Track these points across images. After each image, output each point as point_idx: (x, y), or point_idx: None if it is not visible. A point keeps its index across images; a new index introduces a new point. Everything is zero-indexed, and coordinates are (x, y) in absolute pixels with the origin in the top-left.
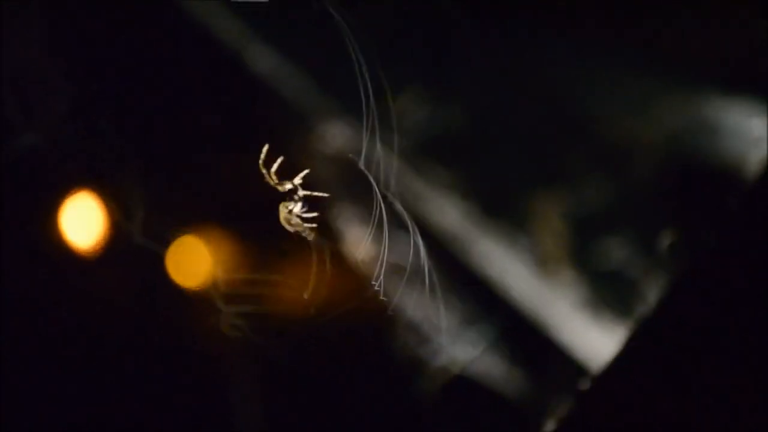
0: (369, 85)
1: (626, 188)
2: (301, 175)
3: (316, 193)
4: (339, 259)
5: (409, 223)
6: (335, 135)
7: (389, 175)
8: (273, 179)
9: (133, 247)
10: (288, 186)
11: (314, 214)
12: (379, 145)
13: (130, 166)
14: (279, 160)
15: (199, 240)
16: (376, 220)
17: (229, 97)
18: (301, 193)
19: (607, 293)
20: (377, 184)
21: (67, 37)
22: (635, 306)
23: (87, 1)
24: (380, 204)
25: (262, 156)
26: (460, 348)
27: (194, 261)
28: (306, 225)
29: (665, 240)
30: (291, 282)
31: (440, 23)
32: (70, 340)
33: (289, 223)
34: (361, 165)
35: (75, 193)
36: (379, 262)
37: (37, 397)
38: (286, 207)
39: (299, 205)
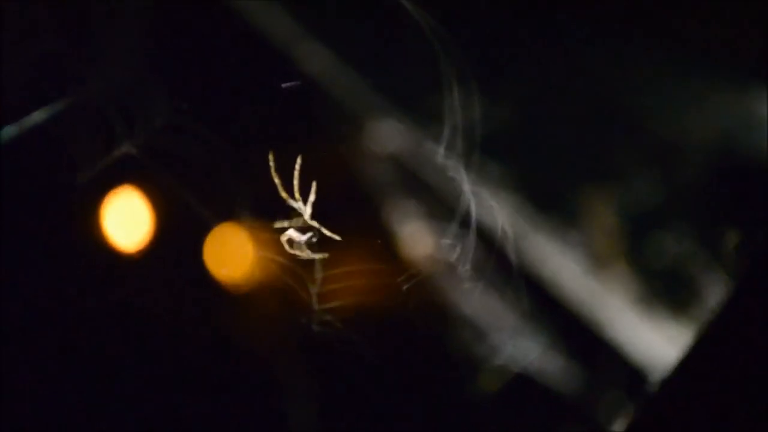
0: (452, 79)
1: (679, 184)
2: (310, 203)
3: (327, 233)
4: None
5: (495, 216)
6: (389, 134)
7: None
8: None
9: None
10: (297, 209)
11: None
12: (460, 141)
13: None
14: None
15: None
16: (457, 216)
17: (281, 96)
18: (311, 223)
19: (661, 291)
20: (462, 178)
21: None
22: (690, 304)
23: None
24: (466, 199)
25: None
26: (518, 346)
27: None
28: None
29: (723, 238)
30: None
31: (492, 20)
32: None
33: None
34: (444, 159)
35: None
36: (461, 257)
37: (91, 394)
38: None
39: (305, 236)
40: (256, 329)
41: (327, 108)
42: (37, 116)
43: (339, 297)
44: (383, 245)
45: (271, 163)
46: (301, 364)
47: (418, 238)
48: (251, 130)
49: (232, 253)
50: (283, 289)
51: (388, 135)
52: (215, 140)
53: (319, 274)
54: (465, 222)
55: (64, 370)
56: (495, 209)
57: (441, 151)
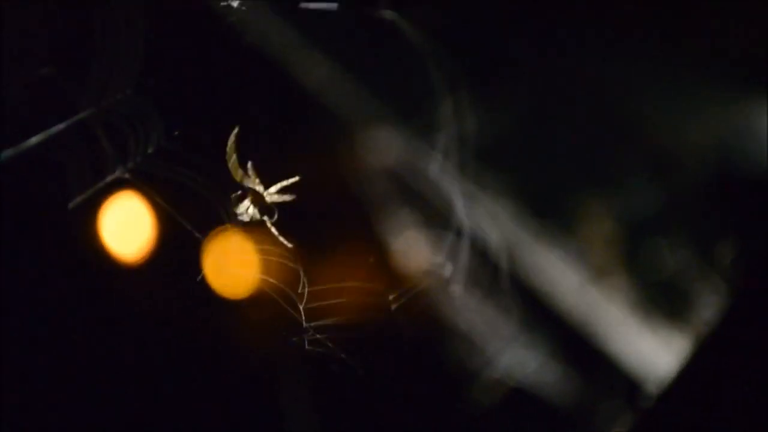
0: (448, 90)
1: (678, 194)
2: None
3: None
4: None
5: (492, 226)
6: (385, 145)
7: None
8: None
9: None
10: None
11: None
12: (456, 151)
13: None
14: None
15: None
16: (453, 227)
17: (280, 108)
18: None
19: (659, 301)
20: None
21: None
22: (687, 314)
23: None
24: (461, 209)
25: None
26: (515, 357)
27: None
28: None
29: (721, 248)
30: (367, 287)
31: (489, 27)
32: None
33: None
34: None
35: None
36: (456, 268)
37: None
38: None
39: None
40: (252, 341)
41: (323, 119)
42: (31, 141)
43: (330, 313)
44: (376, 260)
45: (231, 142)
46: (298, 376)
47: (412, 249)
48: (248, 140)
49: (226, 270)
50: (275, 305)
51: (383, 145)
52: (209, 158)
53: (307, 289)
54: (460, 233)
55: (64, 380)
56: (491, 219)
57: (437, 161)
